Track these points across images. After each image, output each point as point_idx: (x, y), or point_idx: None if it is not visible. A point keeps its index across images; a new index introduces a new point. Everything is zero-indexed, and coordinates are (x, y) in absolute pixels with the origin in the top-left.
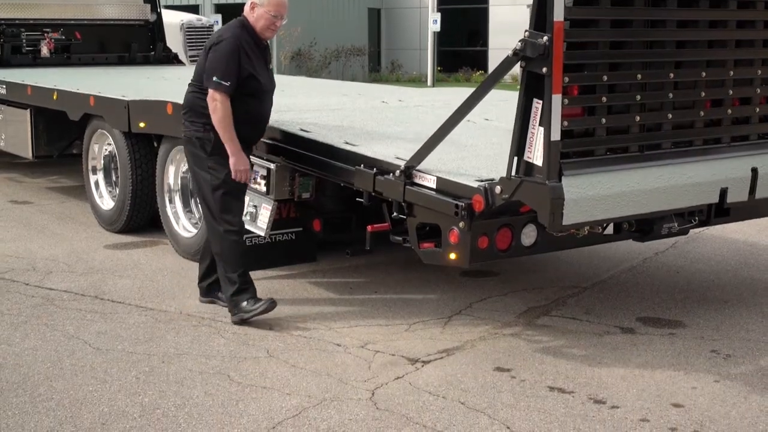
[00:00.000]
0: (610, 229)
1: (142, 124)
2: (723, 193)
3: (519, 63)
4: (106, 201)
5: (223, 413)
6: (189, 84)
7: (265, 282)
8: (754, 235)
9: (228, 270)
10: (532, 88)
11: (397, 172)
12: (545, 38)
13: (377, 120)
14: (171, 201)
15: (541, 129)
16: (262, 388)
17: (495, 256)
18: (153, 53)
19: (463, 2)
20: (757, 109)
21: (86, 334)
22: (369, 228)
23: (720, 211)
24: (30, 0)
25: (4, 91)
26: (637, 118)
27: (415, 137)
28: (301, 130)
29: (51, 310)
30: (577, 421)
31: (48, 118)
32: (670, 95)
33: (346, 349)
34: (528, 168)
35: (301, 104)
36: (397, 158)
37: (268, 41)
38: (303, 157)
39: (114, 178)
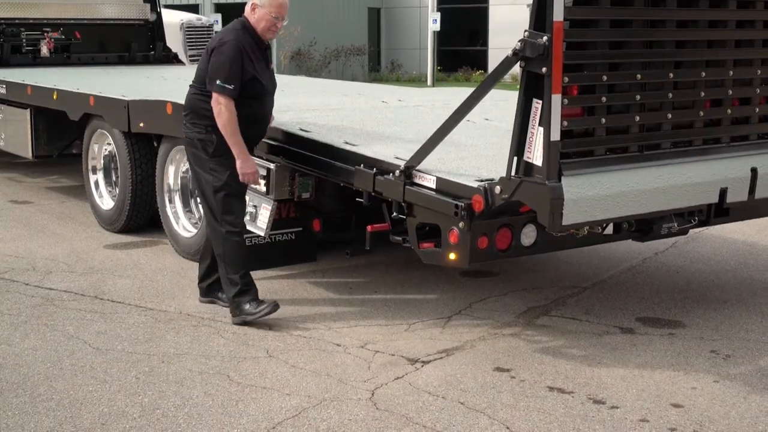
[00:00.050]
0: (609, 229)
1: (141, 124)
2: (722, 193)
3: (519, 63)
4: (105, 201)
5: (222, 413)
6: (190, 85)
7: (265, 282)
8: (753, 235)
9: (230, 271)
10: (532, 88)
11: (397, 172)
12: (545, 38)
13: (377, 120)
14: (171, 201)
15: (541, 129)
16: (261, 389)
17: (495, 256)
18: (153, 53)
19: (463, 2)
20: (757, 109)
21: (86, 334)
22: (369, 228)
23: (719, 211)
24: (30, 0)
25: (4, 91)
26: (637, 118)
27: (414, 137)
28: (301, 130)
29: (51, 310)
30: (577, 422)
31: (48, 117)
32: (670, 95)
33: (345, 349)
34: (528, 168)
35: (300, 104)
36: (397, 158)
37: (269, 42)
38: (303, 157)
39: (114, 178)
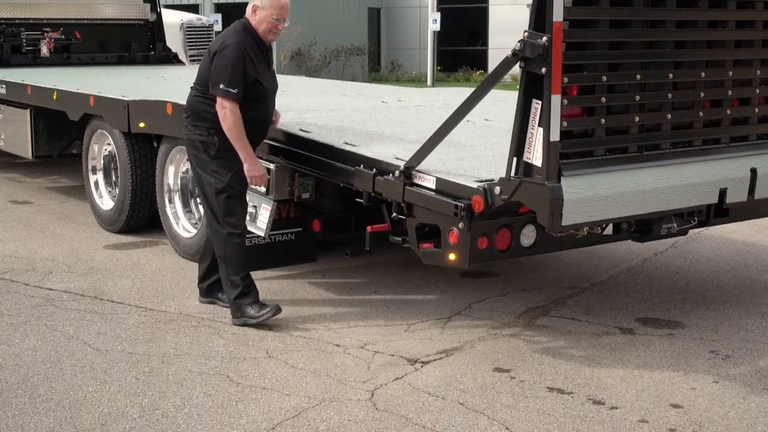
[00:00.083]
0: (609, 230)
1: (141, 124)
2: (722, 193)
3: (518, 63)
4: (105, 201)
5: (222, 414)
6: (191, 87)
7: (265, 282)
8: (753, 235)
9: (231, 273)
10: (531, 88)
11: (397, 172)
12: (544, 39)
13: (377, 120)
14: (171, 201)
15: (541, 129)
16: (261, 389)
17: (494, 257)
18: (153, 53)
19: (463, 2)
20: (756, 110)
21: (86, 334)
22: (368, 228)
23: (719, 212)
24: (30, 0)
25: (3, 91)
26: (637, 119)
27: (414, 137)
28: (301, 130)
29: (51, 311)
30: (576, 422)
31: (48, 118)
32: (670, 96)
33: (345, 350)
34: (527, 168)
35: (300, 104)
36: (397, 158)
37: (271, 43)
38: (302, 157)
39: (114, 178)
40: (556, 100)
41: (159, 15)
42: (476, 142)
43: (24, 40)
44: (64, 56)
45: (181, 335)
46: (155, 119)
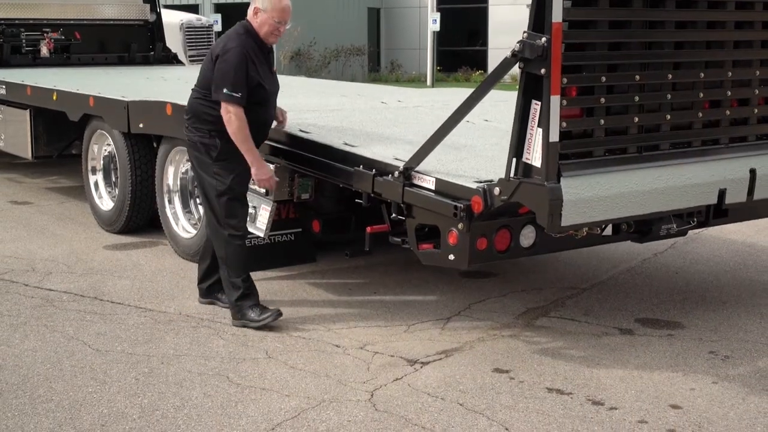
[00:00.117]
0: (608, 230)
1: (141, 125)
2: (721, 194)
3: (517, 64)
4: (105, 201)
5: (222, 414)
6: (193, 89)
7: (265, 283)
8: (752, 236)
9: (232, 275)
10: (531, 89)
11: (396, 173)
12: (544, 39)
13: (376, 121)
14: (170, 202)
15: (540, 130)
16: (261, 390)
17: (494, 258)
18: (152, 53)
19: (463, 2)
20: (756, 110)
21: (86, 335)
22: (368, 229)
23: (718, 212)
24: (30, 0)
25: (3, 92)
26: (636, 119)
27: (414, 138)
28: (300, 130)
29: (50, 311)
30: (576, 423)
31: (47, 118)
32: (669, 96)
33: (345, 351)
34: (526, 169)
35: (300, 105)
36: (396, 159)
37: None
38: (302, 158)
39: (113, 179)
40: (555, 100)
41: (159, 15)
42: (476, 143)
43: (24, 41)
44: (64, 57)
45: (180, 336)
46: (155, 120)
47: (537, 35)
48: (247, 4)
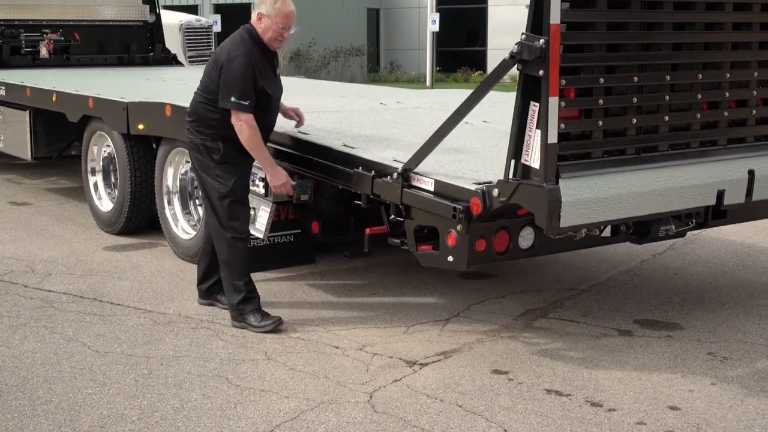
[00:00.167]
0: (607, 232)
1: (141, 126)
2: (720, 195)
3: (516, 66)
4: (104, 203)
5: (221, 416)
6: (195, 93)
7: (264, 284)
8: (751, 237)
9: (234, 278)
10: (529, 90)
11: (395, 174)
12: (542, 41)
13: (375, 122)
14: (170, 203)
15: (538, 132)
16: (260, 391)
17: (492, 259)
18: (152, 54)
19: (462, 2)
20: (754, 112)
21: (85, 336)
22: (367, 230)
23: (717, 213)
24: (29, 1)
25: (3, 93)
26: (634, 121)
27: (413, 139)
28: (300, 132)
29: (50, 313)
30: (574, 424)
31: (47, 119)
32: (667, 98)
33: (344, 352)
34: (525, 171)
35: (299, 106)
36: (395, 161)
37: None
38: (301, 159)
39: (113, 180)
40: (553, 102)
41: (158, 16)
42: (474, 144)
43: (23, 42)
44: (64, 57)
45: (180, 337)
46: (154, 121)
47: (535, 37)
48: (247, 5)
